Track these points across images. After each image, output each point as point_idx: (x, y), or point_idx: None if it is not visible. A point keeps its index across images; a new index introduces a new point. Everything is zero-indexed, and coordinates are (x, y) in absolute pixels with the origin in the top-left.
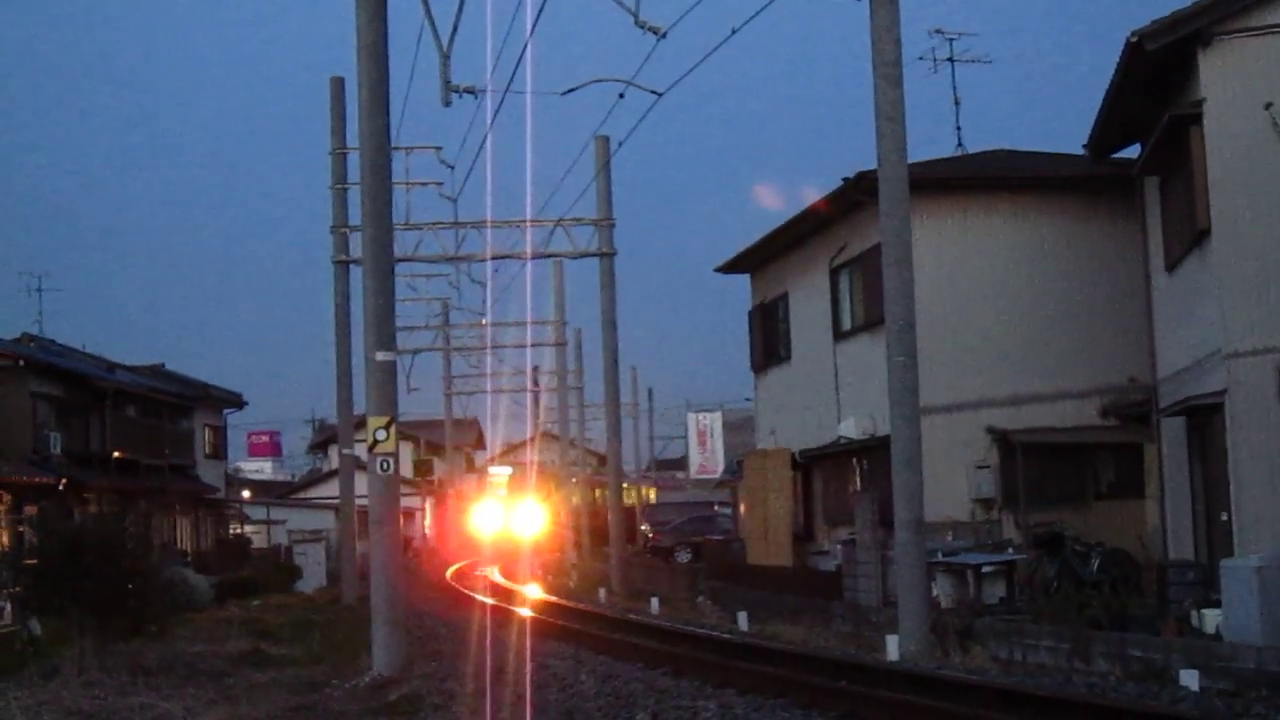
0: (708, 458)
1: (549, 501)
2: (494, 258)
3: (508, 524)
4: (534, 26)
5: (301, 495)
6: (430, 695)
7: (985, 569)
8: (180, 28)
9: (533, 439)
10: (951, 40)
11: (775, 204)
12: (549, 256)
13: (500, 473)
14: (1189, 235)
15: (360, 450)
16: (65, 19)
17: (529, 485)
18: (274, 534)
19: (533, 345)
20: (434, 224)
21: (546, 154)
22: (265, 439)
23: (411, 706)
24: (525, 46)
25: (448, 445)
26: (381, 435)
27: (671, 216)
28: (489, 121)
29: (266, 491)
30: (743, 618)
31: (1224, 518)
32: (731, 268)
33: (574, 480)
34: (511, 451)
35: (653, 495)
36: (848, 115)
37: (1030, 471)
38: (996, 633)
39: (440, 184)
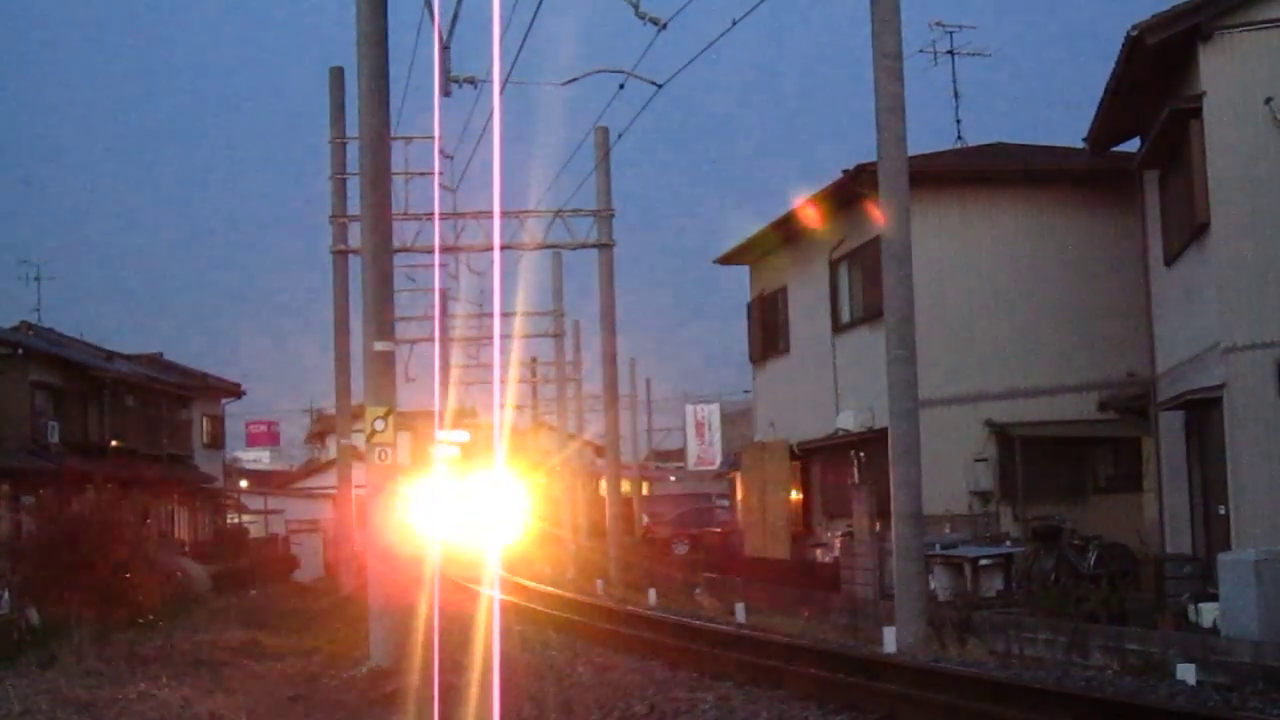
0: (706, 449)
1: (535, 490)
2: (491, 249)
3: (463, 524)
4: (535, 16)
5: (299, 485)
6: (427, 686)
7: (983, 562)
8: (180, 16)
9: (531, 431)
10: (952, 33)
11: (774, 196)
12: (548, 248)
13: (451, 439)
14: (1188, 229)
15: (359, 440)
16: (63, 5)
17: (501, 462)
18: (272, 524)
19: (531, 336)
20: (432, 214)
21: (546, 145)
22: (263, 428)
23: (408, 697)
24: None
25: None
26: (380, 425)
27: (670, 208)
28: (484, 117)
29: (264, 481)
30: (740, 609)
31: (1222, 512)
32: (730, 259)
33: (558, 463)
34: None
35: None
36: (847, 107)
37: (1028, 465)
38: (994, 626)
39: (440, 174)
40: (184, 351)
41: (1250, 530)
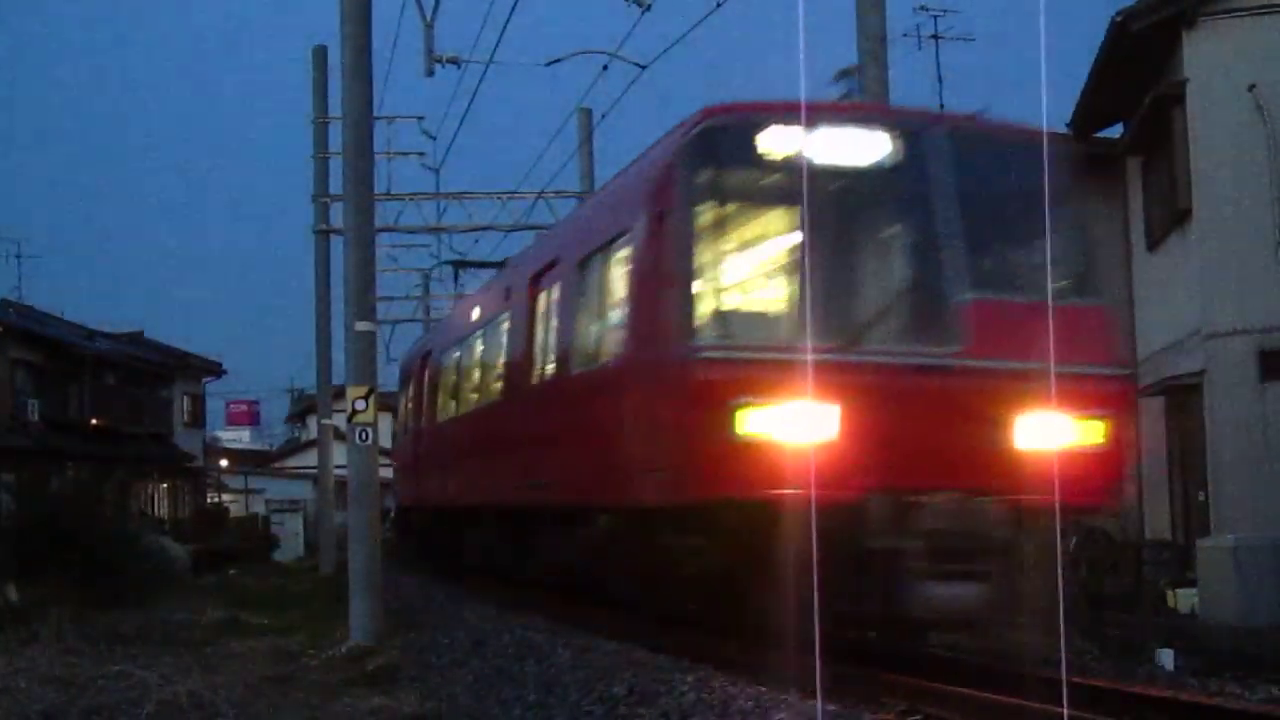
0: None
1: None
2: (475, 229)
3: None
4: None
5: (280, 465)
6: (407, 666)
7: None
8: None
9: None
10: (936, 17)
11: None
12: (529, 229)
13: None
14: (1171, 215)
15: (339, 420)
16: None
17: None
18: (252, 503)
19: None
20: (415, 195)
21: (529, 126)
22: (244, 408)
23: (389, 676)
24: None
25: None
26: (360, 405)
27: None
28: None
29: (245, 460)
30: None
31: (1201, 498)
32: None
33: None
34: None
35: None
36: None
37: None
38: None
39: (423, 154)
40: (165, 330)
41: (1229, 516)
